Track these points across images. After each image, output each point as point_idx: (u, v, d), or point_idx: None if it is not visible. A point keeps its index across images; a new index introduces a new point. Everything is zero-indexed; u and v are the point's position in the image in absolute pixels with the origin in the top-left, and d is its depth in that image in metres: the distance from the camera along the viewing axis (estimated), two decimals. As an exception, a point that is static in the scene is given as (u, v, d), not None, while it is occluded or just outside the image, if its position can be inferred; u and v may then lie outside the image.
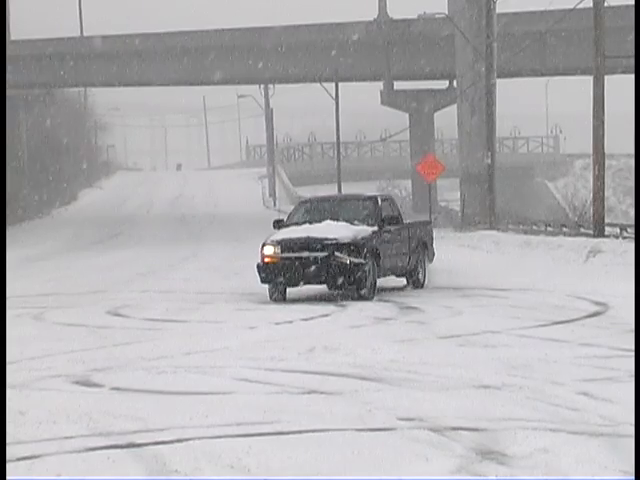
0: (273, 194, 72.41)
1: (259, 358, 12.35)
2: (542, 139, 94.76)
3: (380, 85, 55.07)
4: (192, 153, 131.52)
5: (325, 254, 18.99)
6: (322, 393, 10.14)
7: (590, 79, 29.75)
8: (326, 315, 17.01)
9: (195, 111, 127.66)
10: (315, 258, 18.99)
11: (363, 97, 80.00)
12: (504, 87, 46.88)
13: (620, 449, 7.92)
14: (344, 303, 18.60)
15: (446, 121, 62.16)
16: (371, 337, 14.29)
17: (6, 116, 52.80)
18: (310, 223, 19.86)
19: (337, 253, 18.94)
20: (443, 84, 54.60)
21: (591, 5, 29.43)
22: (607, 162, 31.77)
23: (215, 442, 8.20)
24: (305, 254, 19.06)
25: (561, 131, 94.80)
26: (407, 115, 56.92)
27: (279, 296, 19.55)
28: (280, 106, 76.45)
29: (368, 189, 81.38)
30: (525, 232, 37.27)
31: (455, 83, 49.71)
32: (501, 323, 15.39)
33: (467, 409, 9.28)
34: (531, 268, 25.94)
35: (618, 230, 32.26)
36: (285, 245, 19.23)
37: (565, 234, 34.06)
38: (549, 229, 36.93)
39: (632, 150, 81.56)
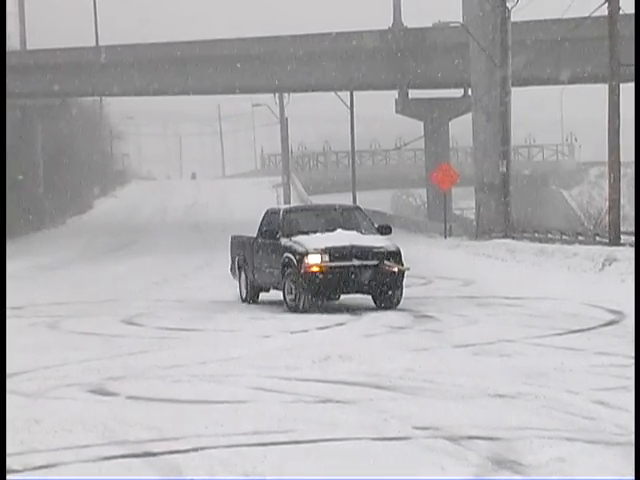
0: (288, 203, 72.48)
1: (274, 367, 12.34)
2: (557, 147, 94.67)
3: (395, 93, 55.11)
4: (206, 162, 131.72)
5: (375, 262, 18.76)
6: (337, 402, 10.13)
7: (605, 87, 29.70)
8: (341, 324, 17.00)
9: (209, 119, 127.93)
10: (366, 266, 18.70)
11: (378, 105, 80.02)
12: (519, 95, 46.85)
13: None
14: (359, 312, 18.58)
15: (461, 129, 62.12)
16: (386, 346, 14.26)
17: (15, 123, 52.93)
18: (322, 232, 19.49)
19: (386, 261, 18.76)
20: (458, 92, 54.59)
21: (606, 13, 29.39)
22: (622, 170, 31.70)
23: (230, 451, 8.19)
24: (356, 262, 18.70)
25: (576, 139, 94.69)
26: (422, 123, 56.94)
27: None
28: (295, 115, 76.57)
29: (382, 197, 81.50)
30: (540, 240, 37.20)
31: (470, 91, 49.68)
32: (516, 332, 15.35)
33: (483, 418, 9.25)
34: (546, 276, 25.89)
35: (634, 238, 32.15)
36: (334, 253, 18.74)
37: (580, 242, 33.98)
38: (564, 237, 36.85)
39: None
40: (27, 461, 7.97)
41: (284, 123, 74.33)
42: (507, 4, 37.85)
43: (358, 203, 59.79)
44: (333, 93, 58.08)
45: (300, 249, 18.92)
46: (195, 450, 8.20)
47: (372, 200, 69.51)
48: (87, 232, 55.78)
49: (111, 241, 49.12)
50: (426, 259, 33.02)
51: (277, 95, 72.43)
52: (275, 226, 20.13)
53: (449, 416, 9.33)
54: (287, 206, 22.39)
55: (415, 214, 77.87)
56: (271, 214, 20.93)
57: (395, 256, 18.94)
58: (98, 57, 54.24)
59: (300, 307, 18.83)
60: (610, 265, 26.17)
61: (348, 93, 59.96)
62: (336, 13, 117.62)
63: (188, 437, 8.62)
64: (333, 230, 19.48)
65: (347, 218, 20.28)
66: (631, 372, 11.59)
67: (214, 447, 8.29)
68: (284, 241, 19.51)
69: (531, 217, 57.09)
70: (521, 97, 51.97)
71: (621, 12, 28.98)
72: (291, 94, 70.15)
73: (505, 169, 39.61)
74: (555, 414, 9.43)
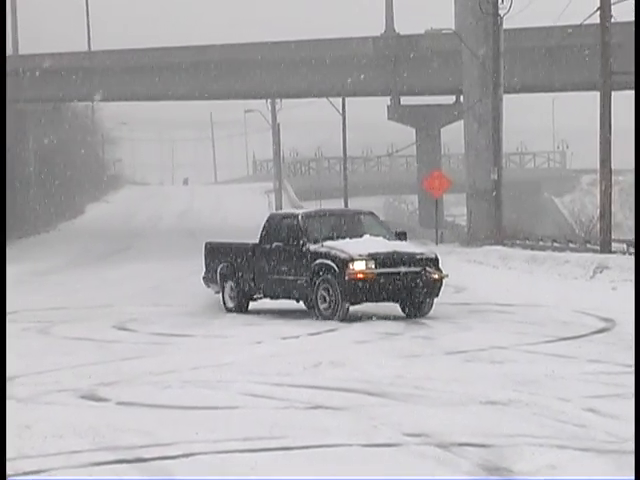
0: (280, 209, 72.54)
1: (265, 373, 12.36)
2: (549, 154, 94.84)
3: (387, 100, 55.18)
4: (199, 167, 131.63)
5: (418, 269, 18.33)
6: (328, 408, 10.14)
7: (597, 95, 29.77)
8: (332, 330, 17.01)
9: (202, 125, 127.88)
10: (409, 273, 18.24)
11: (370, 112, 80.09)
12: (511, 102, 46.94)
13: (627, 466, 7.91)
14: (350, 318, 18.56)
15: (453, 136, 62.20)
16: (377, 352, 14.29)
17: (8, 127, 52.82)
18: (350, 238, 18.75)
19: (428, 268, 18.37)
20: (450, 99, 54.68)
21: (598, 21, 29.46)
22: (614, 178, 31.76)
23: (221, 457, 8.20)
24: (402, 269, 18.22)
25: (568, 146, 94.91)
26: (414, 130, 57.01)
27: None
28: (287, 121, 76.61)
29: (374, 204, 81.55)
30: (532, 247, 37.26)
31: (462, 98, 49.76)
32: (508, 339, 15.38)
33: (474, 425, 9.27)
34: (538, 283, 25.92)
35: (625, 246, 32.28)
36: (379, 260, 18.12)
37: (572, 250, 34.06)
38: (556, 245, 36.94)
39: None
40: (17, 466, 7.97)
41: (276, 129, 74.40)
42: (499, 11, 37.90)
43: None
44: (325, 99, 58.09)
45: (342, 255, 18.11)
46: (186, 456, 8.20)
47: (364, 206, 69.33)
48: (79, 237, 55.67)
49: (104, 247, 49.04)
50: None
51: (269, 101, 72.51)
52: (292, 231, 19.20)
53: (440, 423, 9.35)
54: (304, 211, 20.95)
55: (407, 220, 77.94)
56: (282, 219, 19.97)
57: (435, 263, 18.60)
58: (90, 62, 54.22)
59: (336, 316, 18.13)
60: (601, 272, 26.23)
61: (341, 99, 60.00)
62: (328, 19, 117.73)
63: (179, 443, 8.63)
64: (360, 236, 18.96)
65: (366, 223, 19.83)
66: (622, 380, 11.63)
67: (205, 453, 8.29)
68: (313, 247, 18.66)
69: (523, 224, 57.17)
70: (513, 104, 52.05)
71: (613, 20, 29.03)
72: (283, 100, 70.21)
73: (497, 176, 39.64)
74: (546, 421, 9.45)
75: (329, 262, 18.23)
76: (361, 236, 18.97)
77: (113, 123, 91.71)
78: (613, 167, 30.13)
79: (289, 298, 19.56)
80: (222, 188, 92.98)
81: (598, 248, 30.99)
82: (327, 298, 18.27)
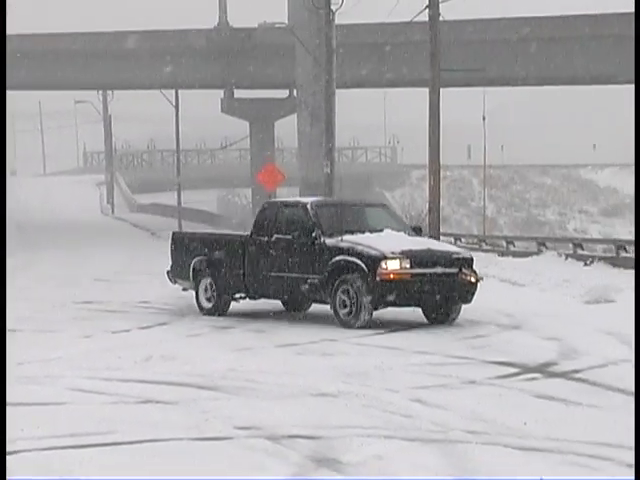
0: (111, 201, 71.67)
1: (95, 367, 12.17)
2: (380, 149, 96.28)
3: (221, 93, 55.08)
4: (27, 159, 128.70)
5: (455, 270, 16.27)
6: (159, 402, 10.06)
7: (427, 91, 30.35)
8: (164, 324, 16.88)
9: (30, 116, 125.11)
10: (447, 275, 16.17)
11: (205, 104, 79.81)
12: (344, 97, 47.44)
13: (451, 455, 8.10)
14: (182, 312, 18.46)
15: (286, 130, 62.54)
16: (209, 346, 14.26)
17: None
18: (371, 232, 16.52)
19: (464, 269, 16.35)
20: (284, 93, 54.94)
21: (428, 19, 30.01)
22: (442, 173, 32.43)
23: (46, 454, 8.03)
24: (439, 270, 16.08)
25: (398, 142, 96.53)
26: (248, 123, 57.07)
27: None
28: (121, 113, 75.67)
29: (208, 197, 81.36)
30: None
31: (295, 92, 50.06)
32: (338, 331, 15.55)
33: (304, 417, 9.34)
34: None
35: (452, 240, 33.05)
36: (415, 259, 15.93)
37: (402, 243, 34.60)
38: (386, 238, 37.49)
39: (465, 162, 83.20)
40: None
41: (107, 120, 73.36)
42: (331, 6, 38.24)
43: (184, 203, 59.49)
44: (158, 91, 57.55)
45: (373, 252, 15.83)
46: (9, 454, 7.99)
47: (198, 199, 69.28)
48: None
49: None
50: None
51: (101, 92, 71.43)
52: (301, 223, 16.80)
53: (271, 415, 9.39)
54: (312, 199, 17.97)
55: (241, 214, 78.00)
56: (284, 208, 17.54)
57: (470, 263, 16.58)
58: None
59: (359, 321, 15.86)
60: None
61: (174, 92, 59.55)
62: (162, 10, 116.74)
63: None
64: (380, 230, 16.73)
65: (381, 216, 17.70)
66: (448, 370, 11.90)
67: (29, 450, 8.11)
68: (330, 242, 16.32)
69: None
70: (346, 99, 52.62)
71: (441, 18, 29.61)
72: (116, 91, 69.24)
73: (329, 170, 40.00)
74: (374, 412, 9.59)
75: (355, 260, 15.94)
76: (381, 230, 16.75)
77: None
78: (442, 162, 30.77)
79: (291, 299, 17.68)
80: (51, 180, 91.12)
81: (427, 241, 31.56)
82: (348, 301, 15.98)
